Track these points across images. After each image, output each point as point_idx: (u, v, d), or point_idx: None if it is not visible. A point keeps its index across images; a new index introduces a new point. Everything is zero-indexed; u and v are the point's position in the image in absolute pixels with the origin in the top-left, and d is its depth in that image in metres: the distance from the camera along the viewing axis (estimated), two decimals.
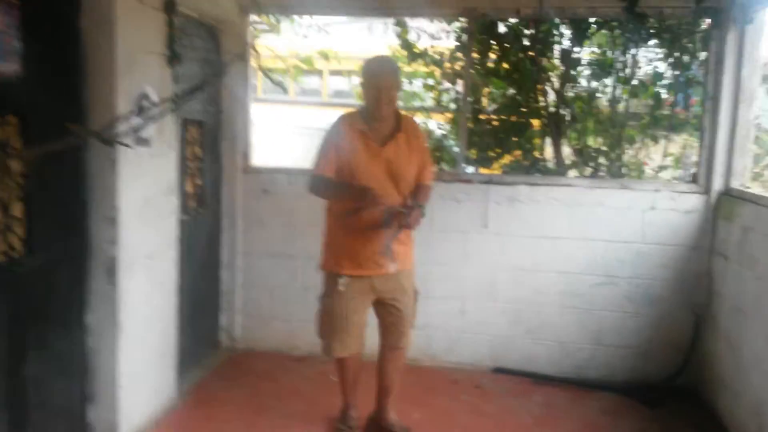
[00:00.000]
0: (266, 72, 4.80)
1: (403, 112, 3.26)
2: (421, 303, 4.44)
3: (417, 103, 5.40)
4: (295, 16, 4.76)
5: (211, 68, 4.29)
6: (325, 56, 4.97)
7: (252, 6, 4.37)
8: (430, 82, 5.15)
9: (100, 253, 3.11)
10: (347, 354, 3.30)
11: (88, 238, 3.08)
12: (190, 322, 4.18)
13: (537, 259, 4.32)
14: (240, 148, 4.56)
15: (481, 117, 5.01)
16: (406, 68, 5.14)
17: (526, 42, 4.83)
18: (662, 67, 5.10)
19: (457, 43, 4.90)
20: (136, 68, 3.15)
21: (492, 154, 4.99)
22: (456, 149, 4.53)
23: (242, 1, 4.34)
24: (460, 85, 4.50)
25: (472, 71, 4.55)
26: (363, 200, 2.98)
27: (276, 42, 4.92)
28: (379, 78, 3.05)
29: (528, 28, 4.77)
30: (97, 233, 3.10)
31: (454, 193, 4.37)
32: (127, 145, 2.83)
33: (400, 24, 4.89)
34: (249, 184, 4.60)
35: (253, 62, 4.56)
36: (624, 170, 4.97)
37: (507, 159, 5.00)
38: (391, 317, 3.31)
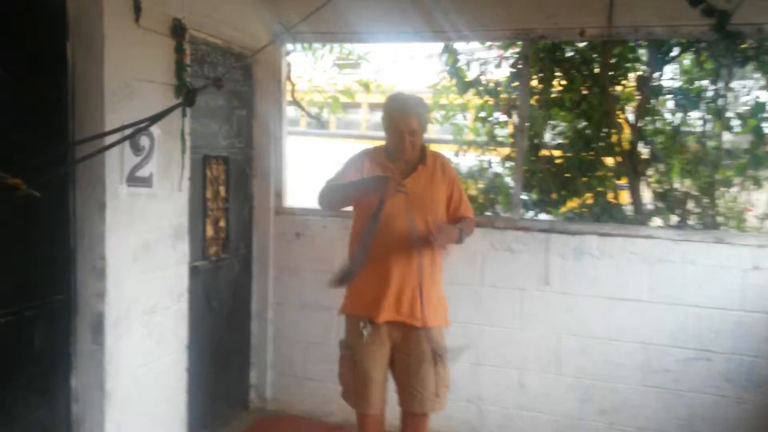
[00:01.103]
0: (300, 104, 4.41)
1: (429, 147, 2.93)
2: (472, 371, 3.84)
3: (468, 138, 4.80)
4: (334, 45, 4.36)
5: (240, 101, 3.93)
6: (366, 87, 4.54)
7: (285, 34, 3.99)
8: (483, 113, 4.55)
9: (86, 308, 2.71)
10: (363, 411, 2.94)
11: (74, 290, 2.69)
12: (213, 380, 3.74)
13: (611, 325, 3.60)
14: (272, 187, 4.14)
15: (543, 154, 4.35)
16: (457, 100, 4.61)
17: (596, 68, 4.18)
18: (765, 96, 4.31)
19: (513, 70, 4.31)
20: (132, 100, 2.78)
21: (555, 196, 4.31)
22: (512, 190, 3.90)
23: (275, 28, 3.97)
24: (517, 118, 3.90)
25: (532, 102, 3.97)
26: (379, 189, 2.64)
27: (314, 72, 4.54)
28: (401, 122, 2.72)
29: (596, 52, 4.12)
30: (84, 286, 2.71)
31: (509, 242, 3.74)
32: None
33: (449, 50, 4.37)
34: (281, 226, 4.16)
35: (288, 94, 4.16)
36: (719, 219, 4.15)
37: (573, 203, 4.30)
38: (408, 377, 2.86)
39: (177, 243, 3.17)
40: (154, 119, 1.88)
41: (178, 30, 3.04)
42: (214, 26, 3.50)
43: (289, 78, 4.14)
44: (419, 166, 2.79)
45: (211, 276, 3.69)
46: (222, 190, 3.78)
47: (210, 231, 3.68)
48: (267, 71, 4.07)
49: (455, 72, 4.37)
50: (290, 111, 4.41)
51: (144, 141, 2.86)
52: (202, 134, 3.55)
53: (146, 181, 2.90)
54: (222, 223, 3.80)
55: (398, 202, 2.66)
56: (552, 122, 4.24)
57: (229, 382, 3.99)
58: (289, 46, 4.12)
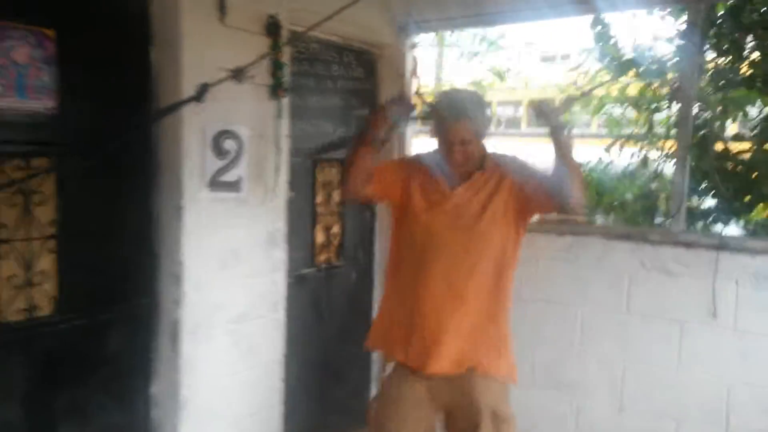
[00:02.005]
0: (426, 101, 4.04)
1: (495, 153, 2.31)
2: (615, 418, 3.17)
3: (625, 130, 3.97)
4: (464, 30, 3.92)
5: (360, 100, 3.71)
6: (500, 76, 3.97)
7: (410, 24, 3.68)
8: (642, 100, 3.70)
9: (165, 314, 2.69)
10: None
11: (157, 295, 2.69)
12: (322, 393, 3.58)
13: None
14: None
15: (719, 148, 3.40)
16: (613, 87, 3.83)
17: None
18: None
19: (681, 43, 3.41)
20: (217, 101, 2.69)
21: (734, 204, 3.34)
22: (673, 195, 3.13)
23: (400, 20, 3.68)
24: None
25: (704, 83, 3.13)
26: (375, 113, 2.32)
27: (442, 64, 4.14)
28: (450, 129, 2.17)
29: None
30: (165, 291, 2.69)
31: (666, 260, 2.99)
32: None
33: (599, 24, 3.63)
34: None
35: (414, 90, 3.84)
36: None
37: (759, 213, 3.30)
38: None
39: (272, 250, 3.04)
40: (161, 114, 1.72)
41: (272, 28, 2.91)
42: (326, 22, 3.31)
43: (414, 73, 3.82)
44: (476, 172, 2.23)
45: (320, 285, 3.52)
46: (336, 194, 3.59)
47: (320, 237, 3.51)
48: (391, 67, 3.80)
49: (607, 50, 3.63)
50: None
51: (229, 144, 2.76)
52: (313, 136, 3.39)
53: (233, 186, 2.81)
54: (335, 230, 3.61)
55: (442, 221, 2.20)
56: (733, 107, 3.29)
57: (344, 396, 3.79)
58: (415, 39, 3.80)
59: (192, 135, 2.62)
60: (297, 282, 3.27)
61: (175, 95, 2.58)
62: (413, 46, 3.80)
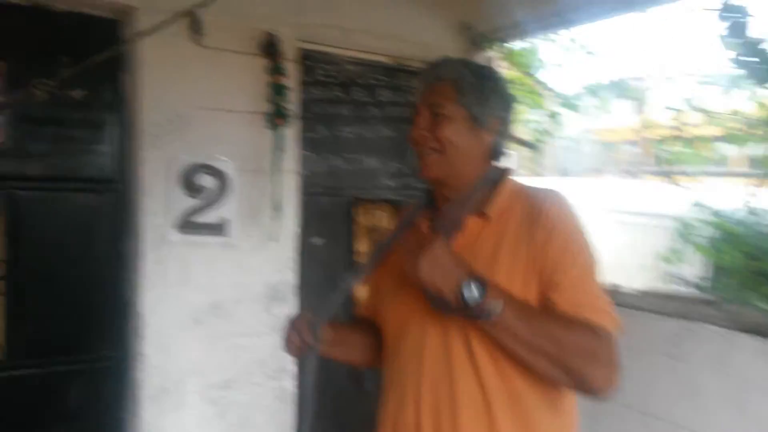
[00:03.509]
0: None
1: (515, 181, 1.35)
2: None
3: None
4: (543, 37, 3.03)
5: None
6: (592, 93, 2.88)
7: (478, 36, 3.00)
8: None
9: (128, 374, 2.37)
10: None
11: (123, 351, 2.38)
12: None
13: None
14: None
15: None
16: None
17: None
18: None
19: None
20: (189, 132, 2.37)
21: None
22: None
23: (472, 32, 3.02)
24: None
25: None
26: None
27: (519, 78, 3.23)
28: (419, 90, 1.36)
29: None
30: (129, 347, 2.38)
31: None
32: None
33: (731, 13, 2.43)
34: None
35: None
36: None
37: None
38: None
39: (273, 305, 2.57)
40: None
41: (269, 47, 2.53)
42: (366, 39, 2.84)
43: None
44: (475, 215, 1.30)
45: None
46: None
47: (360, 291, 2.93)
48: None
49: (750, 49, 2.43)
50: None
51: (204, 180, 2.40)
52: (349, 172, 2.89)
53: (215, 229, 2.43)
54: None
55: (413, 299, 1.28)
56: None
57: None
58: (488, 52, 3.09)
59: (152, 168, 2.32)
60: None
61: (135, 124, 2.34)
62: (488, 61, 3.09)
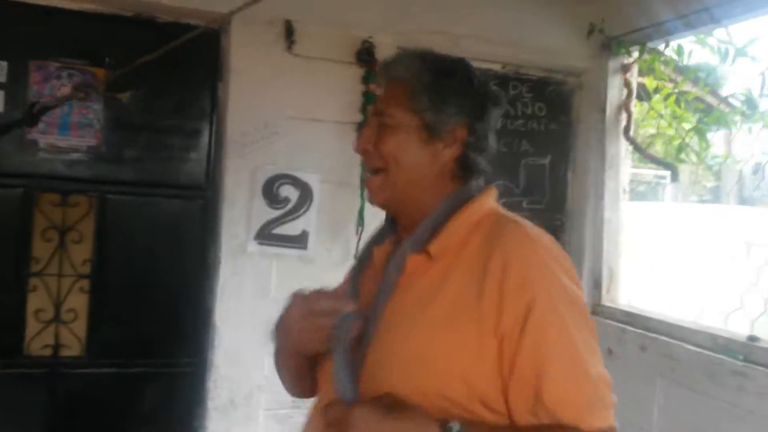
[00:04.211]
0: (639, 145, 2.65)
1: (484, 207, 1.03)
2: None
3: None
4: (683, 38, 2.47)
5: (536, 143, 2.77)
6: (750, 104, 2.24)
7: (614, 42, 2.60)
8: None
9: (203, 380, 2.35)
10: None
11: (201, 358, 2.38)
12: None
13: None
14: (589, 273, 2.71)
15: None
16: None
17: None
18: None
19: None
20: (277, 141, 2.31)
21: None
22: None
23: (604, 35, 2.64)
24: None
25: None
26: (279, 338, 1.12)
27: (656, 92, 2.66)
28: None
29: None
30: (207, 356, 2.36)
31: None
32: None
33: None
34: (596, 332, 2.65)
35: (620, 130, 2.68)
36: None
37: None
38: None
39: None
40: None
41: (364, 54, 2.39)
42: (476, 45, 2.59)
43: (626, 107, 2.67)
44: (414, 255, 0.99)
45: None
46: None
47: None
48: (591, 100, 2.75)
49: None
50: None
51: (287, 191, 2.33)
52: None
53: (295, 241, 2.34)
54: None
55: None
56: None
57: None
58: (623, 59, 2.66)
59: (236, 177, 2.29)
60: None
61: (220, 132, 2.33)
62: (625, 68, 2.67)
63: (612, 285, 2.66)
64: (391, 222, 1.10)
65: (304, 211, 2.35)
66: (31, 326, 2.23)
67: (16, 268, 2.21)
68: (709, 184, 9.34)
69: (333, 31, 2.37)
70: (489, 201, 1.03)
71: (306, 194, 2.35)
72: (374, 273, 1.05)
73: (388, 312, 0.97)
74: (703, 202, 9.30)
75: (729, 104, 2.71)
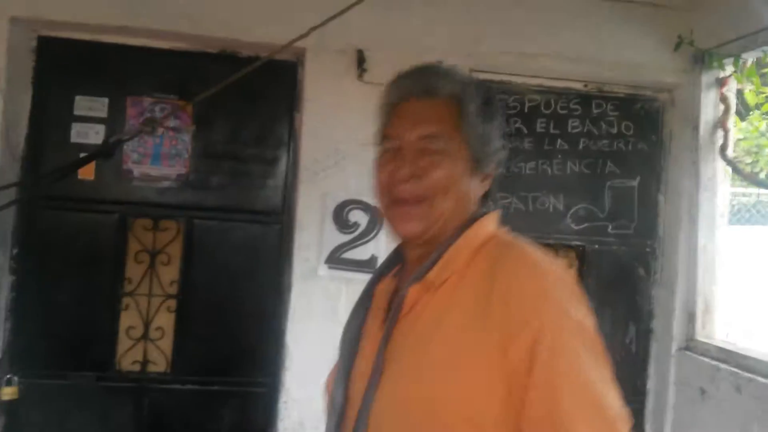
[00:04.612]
0: (737, 166, 2.35)
1: (487, 231, 0.95)
2: None
3: None
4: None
5: (622, 165, 2.61)
6: None
7: (707, 54, 2.41)
8: None
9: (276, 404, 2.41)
10: None
11: (277, 379, 2.44)
12: None
13: None
14: (682, 304, 2.50)
15: None
16: None
17: None
18: None
19: None
20: (346, 167, 2.36)
21: None
22: None
23: (694, 47, 2.45)
24: None
25: None
26: None
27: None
28: (398, 117, 0.95)
29: None
30: (281, 378, 2.43)
31: None
32: None
33: None
34: (687, 371, 2.44)
35: (716, 150, 2.46)
36: None
37: None
38: None
39: None
40: (57, 173, 1.61)
41: None
42: (554, 64, 2.52)
43: (722, 124, 2.45)
44: (415, 285, 0.92)
45: None
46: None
47: None
48: (683, 117, 2.56)
49: None
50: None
51: (357, 216, 2.36)
52: (527, 213, 2.57)
53: (364, 265, 2.37)
54: None
55: (354, 398, 0.96)
56: None
57: None
58: (717, 72, 2.45)
59: (308, 203, 2.35)
60: None
61: (294, 160, 2.41)
62: (719, 83, 2.47)
63: (707, 318, 2.43)
64: (396, 253, 1.05)
65: (374, 236, 2.37)
66: (123, 343, 2.41)
67: (112, 288, 2.40)
68: None
69: (403, 56, 2.35)
70: (490, 224, 0.96)
71: (375, 219, 2.37)
72: (377, 311, 1.01)
73: (390, 354, 0.92)
74: None
75: None
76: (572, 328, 0.83)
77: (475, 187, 0.95)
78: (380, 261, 2.33)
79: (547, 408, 0.80)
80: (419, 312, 0.92)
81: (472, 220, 0.95)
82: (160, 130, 2.28)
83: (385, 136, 0.98)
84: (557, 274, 0.87)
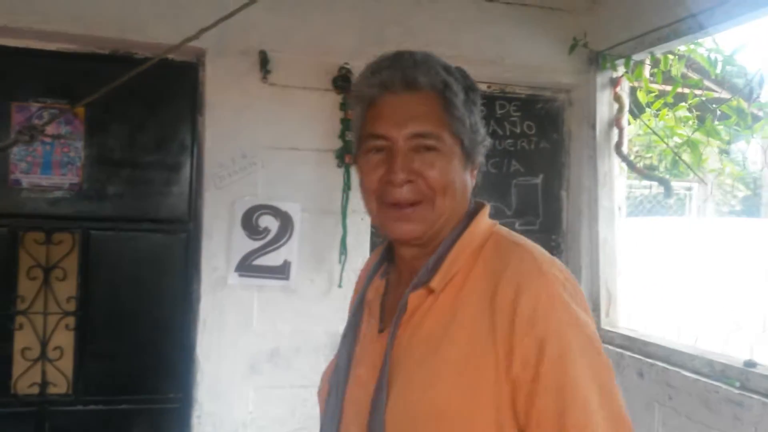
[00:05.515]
0: (630, 160, 2.52)
1: (480, 221, 0.95)
2: None
3: None
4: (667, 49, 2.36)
5: (527, 162, 2.70)
6: (740, 115, 2.11)
7: (602, 56, 2.53)
8: None
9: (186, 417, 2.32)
10: None
11: (188, 394, 2.35)
12: None
13: None
14: (587, 294, 2.60)
15: None
16: None
17: None
18: None
19: None
20: (256, 171, 2.30)
21: None
22: None
23: (589, 49, 2.57)
24: None
25: None
26: None
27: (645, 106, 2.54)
28: (383, 114, 0.91)
29: None
30: (193, 390, 2.34)
31: None
32: None
33: None
34: None
35: (611, 146, 2.59)
36: None
37: None
38: None
39: None
40: None
41: (341, 81, 2.37)
42: (456, 64, 2.55)
43: (617, 122, 2.58)
44: (416, 293, 0.90)
45: None
46: None
47: None
48: (581, 116, 2.68)
49: None
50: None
51: (267, 221, 2.31)
52: None
53: (276, 271, 2.32)
54: None
55: (349, 412, 0.94)
56: None
57: None
58: (610, 73, 2.58)
59: (214, 210, 2.28)
60: None
61: (199, 165, 2.33)
62: (614, 82, 2.60)
63: (611, 307, 2.55)
64: (387, 252, 1.03)
65: (285, 241, 2.33)
66: (19, 364, 2.25)
67: (3, 307, 2.23)
68: (741, 195, 9.03)
69: (308, 58, 2.35)
70: (485, 220, 0.95)
71: (286, 224, 2.33)
72: (370, 317, 0.98)
73: (395, 363, 0.88)
74: (736, 214, 8.94)
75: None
76: (578, 332, 0.82)
77: (468, 182, 0.94)
78: (293, 267, 2.30)
79: (555, 413, 0.79)
80: (421, 318, 0.89)
81: (468, 216, 0.94)
82: (47, 138, 2.13)
83: (368, 135, 0.92)
84: (561, 277, 0.85)
